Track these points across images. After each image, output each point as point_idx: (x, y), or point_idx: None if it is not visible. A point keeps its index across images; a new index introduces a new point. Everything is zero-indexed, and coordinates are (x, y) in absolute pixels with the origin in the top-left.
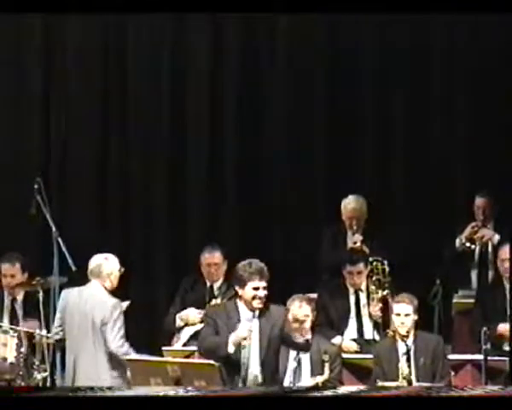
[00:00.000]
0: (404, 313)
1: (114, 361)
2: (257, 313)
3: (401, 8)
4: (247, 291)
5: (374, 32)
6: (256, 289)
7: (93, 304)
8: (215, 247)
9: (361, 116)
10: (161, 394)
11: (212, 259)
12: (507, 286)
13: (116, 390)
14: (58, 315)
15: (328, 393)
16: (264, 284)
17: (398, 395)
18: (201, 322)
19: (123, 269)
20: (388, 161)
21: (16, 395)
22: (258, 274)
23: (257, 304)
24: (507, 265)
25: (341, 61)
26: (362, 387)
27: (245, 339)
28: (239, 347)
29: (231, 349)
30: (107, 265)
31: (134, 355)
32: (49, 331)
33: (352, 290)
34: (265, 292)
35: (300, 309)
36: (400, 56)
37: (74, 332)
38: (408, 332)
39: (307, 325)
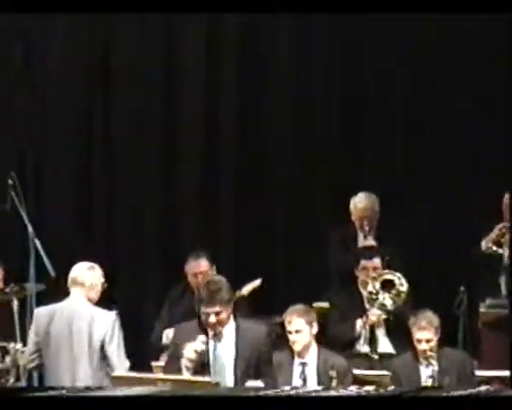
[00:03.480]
0: (425, 339)
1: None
2: (211, 334)
3: (401, 8)
4: (201, 315)
5: (377, 30)
6: (206, 314)
7: (87, 320)
8: (200, 254)
9: (373, 110)
10: (161, 394)
11: (198, 268)
12: None
13: (116, 390)
14: (33, 339)
15: (329, 393)
16: (215, 309)
17: (397, 395)
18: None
19: (106, 284)
20: (404, 156)
21: (16, 395)
22: (206, 300)
23: (210, 330)
24: None
25: (348, 59)
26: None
27: (191, 361)
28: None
29: (184, 372)
30: (92, 275)
31: (121, 372)
32: (25, 345)
33: (365, 293)
34: (217, 318)
35: (290, 325)
36: (405, 55)
37: (61, 356)
38: (431, 356)
39: (303, 339)
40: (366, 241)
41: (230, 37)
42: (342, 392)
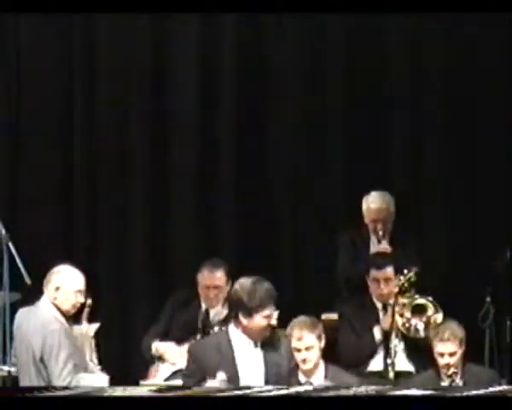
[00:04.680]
0: (448, 352)
1: None
2: (259, 342)
3: (402, 8)
4: (258, 320)
5: (379, 29)
6: (268, 317)
7: (34, 327)
8: (217, 265)
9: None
10: (160, 394)
11: (213, 280)
12: None
13: (116, 391)
14: (14, 343)
15: (328, 393)
16: (276, 309)
17: (398, 395)
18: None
19: (90, 300)
20: (422, 154)
21: (16, 395)
22: (270, 299)
23: (266, 333)
24: None
25: (351, 56)
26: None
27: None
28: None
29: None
30: (56, 278)
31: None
32: None
33: (379, 306)
34: (273, 321)
35: (300, 341)
36: (413, 53)
37: (21, 366)
38: (455, 372)
39: (312, 357)
40: (380, 246)
41: (224, 36)
42: (342, 392)
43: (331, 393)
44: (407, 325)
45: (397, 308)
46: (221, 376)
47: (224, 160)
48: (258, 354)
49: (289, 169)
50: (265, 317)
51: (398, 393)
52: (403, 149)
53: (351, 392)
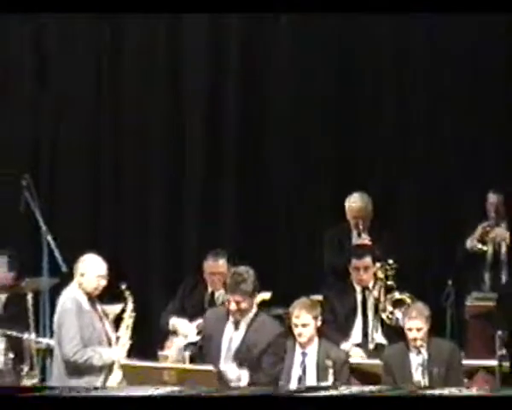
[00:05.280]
0: (415, 327)
1: (69, 369)
2: (231, 320)
3: (402, 8)
4: (230, 303)
5: (377, 31)
6: (234, 302)
7: (57, 306)
8: (219, 254)
9: (369, 113)
10: (161, 394)
11: (217, 268)
12: None
13: (116, 391)
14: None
15: (329, 393)
16: (236, 298)
17: (398, 395)
18: (197, 333)
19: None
20: (395, 159)
21: (16, 395)
22: (235, 286)
23: (236, 315)
24: None
25: (346, 60)
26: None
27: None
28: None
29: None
30: (81, 266)
31: (127, 361)
32: (38, 336)
33: (358, 289)
34: (238, 307)
35: (298, 319)
36: (405, 56)
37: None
38: (422, 344)
39: (308, 332)
40: (360, 239)
41: (233, 35)
42: (342, 392)
43: (331, 393)
44: (390, 316)
45: (375, 293)
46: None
47: (227, 159)
48: (230, 331)
49: (284, 174)
50: (230, 301)
51: (398, 393)
52: (379, 155)
53: (349, 392)
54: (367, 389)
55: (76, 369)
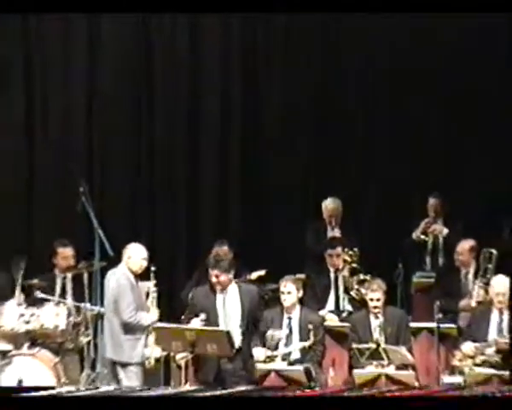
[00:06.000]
0: (375, 298)
1: (128, 328)
2: (218, 289)
3: (401, 8)
4: (212, 278)
5: (370, 30)
6: (214, 276)
7: (113, 281)
8: (224, 243)
9: (335, 133)
10: (161, 394)
11: (222, 252)
12: (462, 272)
13: (116, 391)
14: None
15: (329, 393)
16: (215, 272)
17: (398, 395)
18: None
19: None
20: (361, 169)
21: (16, 395)
22: (215, 264)
23: (218, 287)
24: (461, 257)
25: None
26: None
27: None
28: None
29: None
30: (128, 251)
31: (159, 324)
32: (91, 304)
33: (332, 270)
34: (217, 279)
35: (285, 287)
36: (400, 57)
37: (106, 305)
38: (379, 311)
39: (291, 298)
40: (333, 233)
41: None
42: (342, 392)
43: (331, 393)
44: (356, 292)
45: (344, 273)
46: (202, 316)
47: (233, 163)
48: (220, 301)
49: (278, 180)
50: (214, 276)
51: (398, 393)
52: (348, 166)
53: (350, 392)
54: (367, 389)
55: (130, 328)
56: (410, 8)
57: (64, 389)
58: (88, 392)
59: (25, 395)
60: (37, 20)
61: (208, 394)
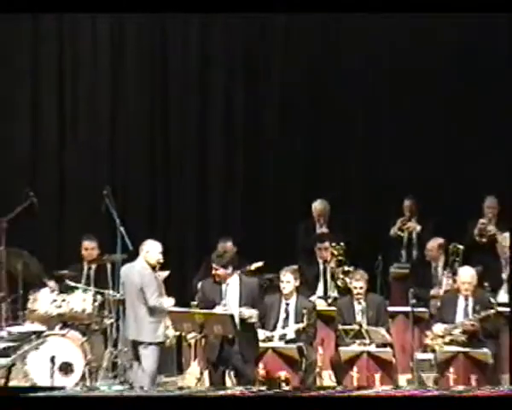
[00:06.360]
0: (358, 286)
1: (153, 312)
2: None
3: (401, 8)
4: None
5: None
6: (214, 269)
7: (135, 273)
8: (228, 239)
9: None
10: (161, 394)
11: (226, 249)
12: (433, 265)
13: (116, 391)
14: (121, 282)
15: (329, 393)
16: (215, 266)
17: (398, 395)
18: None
19: (161, 254)
20: (345, 174)
21: (16, 395)
22: (215, 259)
23: (219, 278)
24: (431, 253)
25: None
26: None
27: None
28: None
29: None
30: (145, 246)
31: (173, 308)
32: (114, 291)
33: (321, 262)
34: (216, 272)
35: (284, 277)
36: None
37: (126, 293)
38: (362, 297)
39: (290, 287)
40: (321, 229)
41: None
42: (341, 392)
43: (332, 393)
44: (342, 281)
45: (331, 265)
46: (223, 302)
47: (237, 165)
48: (223, 290)
49: (275, 183)
50: (213, 268)
51: (397, 393)
52: (335, 171)
53: (349, 393)
54: (367, 389)
55: (154, 312)
56: (410, 8)
57: (65, 389)
58: (88, 392)
59: (30, 395)
60: (71, 20)
61: (209, 394)
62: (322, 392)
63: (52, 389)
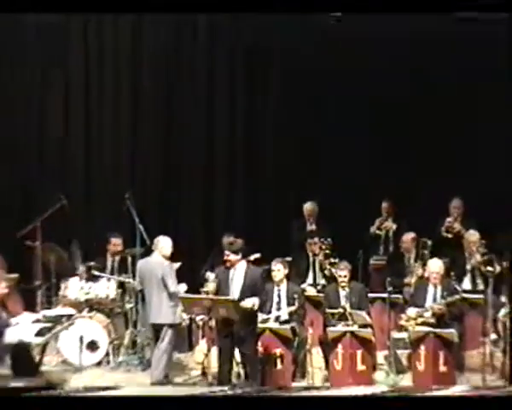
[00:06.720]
0: (343, 275)
1: (173, 297)
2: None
3: (401, 8)
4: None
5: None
6: (225, 255)
7: (156, 265)
8: (230, 235)
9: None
10: (161, 394)
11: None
12: (406, 257)
13: (116, 391)
14: (138, 274)
15: (329, 393)
16: (226, 253)
17: (399, 395)
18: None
19: (172, 249)
20: (333, 180)
21: (17, 396)
22: (225, 246)
23: (228, 264)
24: (405, 245)
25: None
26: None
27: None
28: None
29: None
30: (159, 242)
31: (184, 294)
32: (134, 280)
33: (310, 255)
34: (227, 258)
35: (275, 266)
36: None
37: (146, 283)
38: (346, 285)
39: (280, 275)
40: (311, 227)
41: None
42: (341, 392)
43: (332, 393)
44: (329, 271)
45: (320, 257)
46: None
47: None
48: (231, 275)
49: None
50: (224, 255)
51: (398, 393)
52: (324, 171)
53: (349, 392)
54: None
55: (174, 297)
56: (410, 8)
57: (66, 390)
58: (88, 392)
59: (31, 395)
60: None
61: (210, 394)
62: (322, 392)
63: (52, 389)
